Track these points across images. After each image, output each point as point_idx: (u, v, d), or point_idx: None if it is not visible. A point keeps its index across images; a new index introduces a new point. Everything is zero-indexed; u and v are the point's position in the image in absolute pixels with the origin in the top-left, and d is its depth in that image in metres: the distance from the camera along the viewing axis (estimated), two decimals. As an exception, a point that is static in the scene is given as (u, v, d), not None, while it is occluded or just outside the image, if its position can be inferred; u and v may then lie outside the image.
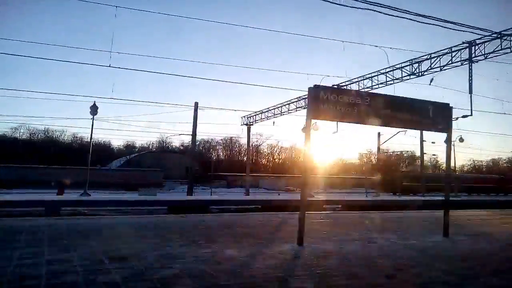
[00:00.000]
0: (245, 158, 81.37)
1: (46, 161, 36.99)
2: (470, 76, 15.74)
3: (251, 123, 29.82)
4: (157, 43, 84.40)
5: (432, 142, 29.38)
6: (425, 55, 17.51)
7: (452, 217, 7.18)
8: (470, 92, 15.60)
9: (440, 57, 17.07)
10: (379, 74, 19.89)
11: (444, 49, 16.75)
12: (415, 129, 22.31)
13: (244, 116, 30.03)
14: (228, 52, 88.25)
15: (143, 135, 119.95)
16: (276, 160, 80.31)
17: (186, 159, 46.33)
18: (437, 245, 5.67)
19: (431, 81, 17.52)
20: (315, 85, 4.98)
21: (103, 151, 68.42)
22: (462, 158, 73.59)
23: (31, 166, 32.03)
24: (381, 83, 19.91)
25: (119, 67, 31.90)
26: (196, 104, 21.50)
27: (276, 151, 79.71)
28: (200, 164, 45.95)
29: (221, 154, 79.13)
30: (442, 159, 77.62)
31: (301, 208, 5.42)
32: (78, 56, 63.33)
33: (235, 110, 59.68)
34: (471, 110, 15.73)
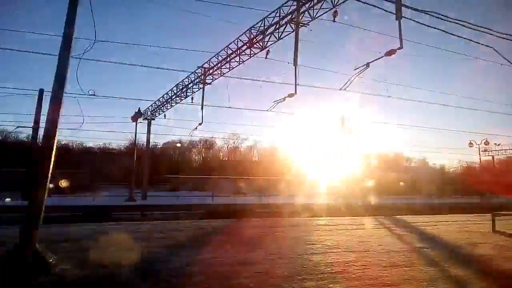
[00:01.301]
0: (226, 159, 78.71)
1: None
2: (296, 42, 12.05)
3: (150, 118, 26.66)
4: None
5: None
6: (260, 21, 13.96)
7: None
8: (295, 63, 11.90)
9: (275, 24, 13.52)
10: (235, 56, 16.41)
11: (273, 11, 13.18)
12: None
13: (145, 110, 26.96)
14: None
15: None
16: (254, 161, 76.60)
17: (130, 160, 43.54)
18: None
19: (267, 54, 13.95)
20: None
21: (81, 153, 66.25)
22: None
23: None
24: (235, 61, 16.48)
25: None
26: (41, 91, 18.70)
27: (253, 152, 76.27)
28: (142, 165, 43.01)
29: (198, 155, 76.35)
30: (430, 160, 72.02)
31: None
32: None
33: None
34: (295, 87, 12.01)
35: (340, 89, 10.76)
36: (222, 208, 17.88)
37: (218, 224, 10.92)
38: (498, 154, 37.57)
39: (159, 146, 68.72)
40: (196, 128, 19.47)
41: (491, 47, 8.52)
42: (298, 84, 12.03)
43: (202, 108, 18.60)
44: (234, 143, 74.03)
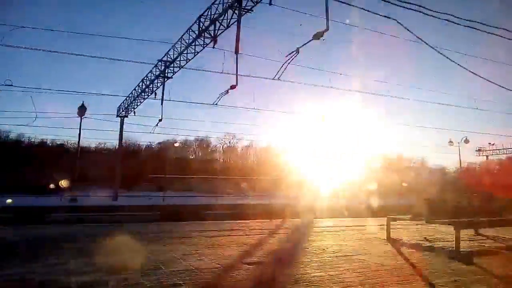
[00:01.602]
0: (221, 159, 77.75)
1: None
2: (238, 29, 11.09)
3: (124, 115, 25.80)
4: None
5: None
6: (207, 9, 13.00)
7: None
8: (236, 52, 10.92)
9: (223, 13, 12.56)
10: (188, 46, 15.44)
11: (218, -4, 12.22)
12: None
13: (119, 106, 26.13)
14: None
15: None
16: (251, 161, 75.51)
17: (113, 160, 42.85)
18: None
19: (214, 44, 13.00)
20: None
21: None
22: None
23: None
24: (190, 52, 15.57)
25: None
26: (-4, 86, 18.00)
27: (249, 152, 75.24)
28: (129, 165, 42.30)
29: (193, 155, 75.61)
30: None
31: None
32: None
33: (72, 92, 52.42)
34: (236, 77, 11.03)
35: (273, 78, 9.76)
36: (172, 209, 16.92)
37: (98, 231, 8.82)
38: (492, 154, 36.20)
39: (154, 146, 68.25)
40: (156, 124, 18.63)
41: (395, 19, 7.46)
42: (239, 75, 11.09)
43: (162, 103, 17.75)
44: (229, 142, 73.03)
